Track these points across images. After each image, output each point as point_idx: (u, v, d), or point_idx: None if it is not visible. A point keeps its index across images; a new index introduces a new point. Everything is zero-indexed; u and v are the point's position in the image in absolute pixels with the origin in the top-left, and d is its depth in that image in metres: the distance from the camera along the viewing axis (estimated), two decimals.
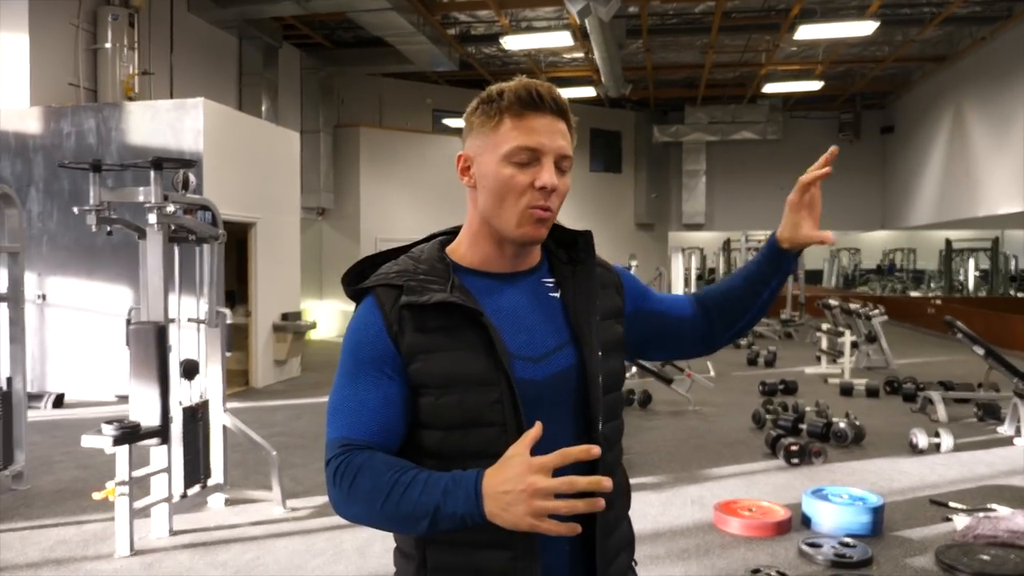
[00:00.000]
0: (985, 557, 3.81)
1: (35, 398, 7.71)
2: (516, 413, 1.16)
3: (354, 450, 1.16)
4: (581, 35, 13.01)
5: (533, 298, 1.27)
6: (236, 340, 9.64)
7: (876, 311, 10.68)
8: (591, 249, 1.36)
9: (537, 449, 1.11)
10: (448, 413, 1.18)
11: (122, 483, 3.90)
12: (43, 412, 7.58)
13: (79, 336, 8.23)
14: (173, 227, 4.29)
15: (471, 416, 1.17)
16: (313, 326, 10.61)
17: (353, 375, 1.21)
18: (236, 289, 10.02)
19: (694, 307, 1.47)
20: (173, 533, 4.24)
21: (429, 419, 1.19)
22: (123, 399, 7.74)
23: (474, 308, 1.19)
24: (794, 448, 5.73)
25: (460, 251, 1.29)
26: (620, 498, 1.33)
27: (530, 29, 13.77)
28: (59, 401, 7.86)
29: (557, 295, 1.29)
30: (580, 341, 1.25)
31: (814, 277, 24.86)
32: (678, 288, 13.38)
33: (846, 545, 4.04)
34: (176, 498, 4.35)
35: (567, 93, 16.45)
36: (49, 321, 8.31)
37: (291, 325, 9.76)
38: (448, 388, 1.17)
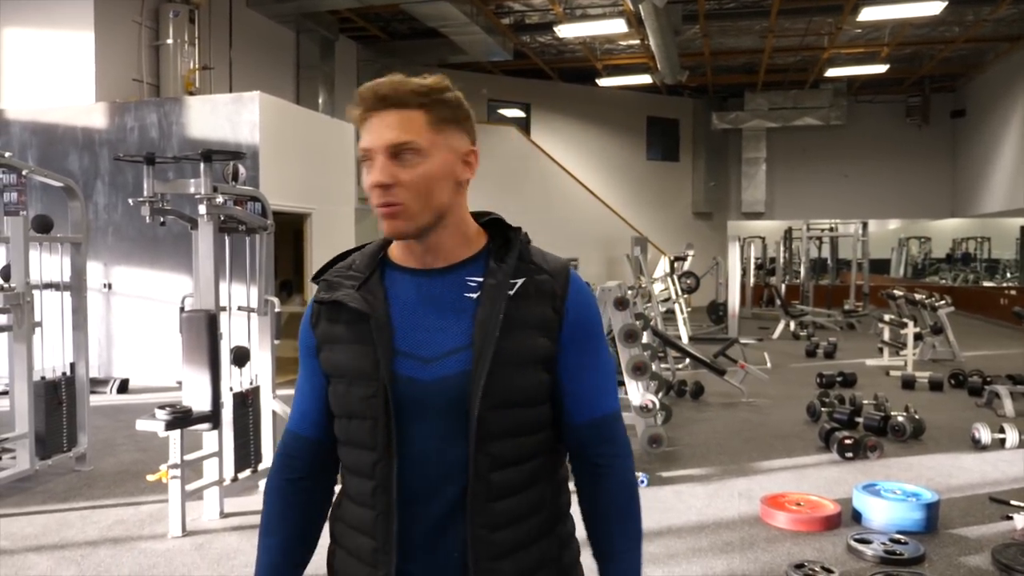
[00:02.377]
0: None
1: (101, 383, 8.02)
2: (386, 411, 1.19)
3: (286, 455, 1.37)
4: (636, 22, 12.84)
5: (447, 297, 1.24)
6: (293, 328, 9.85)
7: (942, 301, 10.33)
8: (514, 249, 1.27)
9: (425, 454, 1.20)
10: (337, 402, 1.27)
11: (174, 466, 4.03)
12: (108, 397, 7.86)
13: (143, 323, 8.51)
14: (223, 217, 4.39)
15: (349, 408, 1.25)
16: None
17: (300, 364, 1.37)
18: (292, 279, 10.22)
19: (578, 433, 1.30)
20: (224, 515, 4.36)
21: (332, 406, 1.29)
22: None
23: (358, 308, 1.23)
24: (848, 442, 5.59)
25: (394, 247, 1.31)
26: (531, 518, 1.25)
27: (584, 17, 13.66)
28: (124, 386, 8.14)
29: (474, 296, 1.23)
30: (479, 337, 1.19)
31: (881, 267, 24.13)
32: (735, 278, 13.14)
33: (897, 542, 3.92)
34: (227, 481, 4.47)
35: (622, 81, 16.23)
36: (115, 309, 8.61)
37: None
38: (340, 378, 1.26)
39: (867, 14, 12.11)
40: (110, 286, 8.57)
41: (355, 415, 1.24)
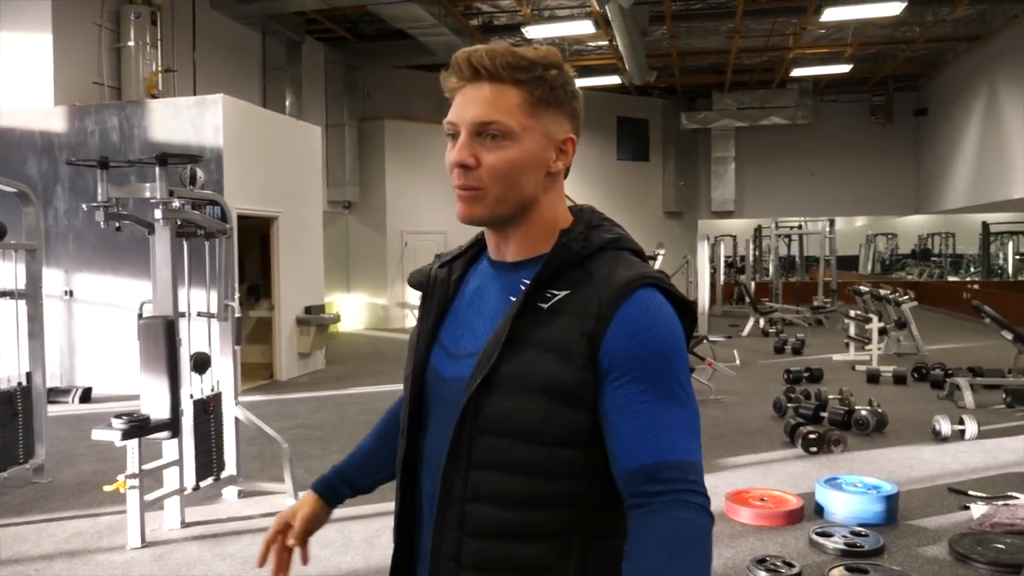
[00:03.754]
0: (1000, 546, 3.72)
1: (63, 392, 7.89)
2: (410, 390, 1.19)
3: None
4: (604, 23, 12.89)
5: (495, 295, 1.15)
6: (260, 333, 9.78)
7: (906, 297, 10.48)
8: (557, 253, 1.10)
9: (433, 447, 1.15)
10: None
11: (132, 476, 3.97)
12: (70, 406, 7.74)
13: (106, 331, 8.38)
14: (180, 222, 4.33)
15: (404, 377, 1.24)
16: (337, 319, 10.69)
17: None
18: (260, 283, 10.13)
19: (624, 482, 1.03)
20: (185, 525, 4.31)
21: None
22: None
23: (418, 283, 1.26)
24: (812, 436, 5.65)
25: None
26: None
27: (552, 18, 13.69)
28: (87, 395, 8.01)
29: (514, 299, 1.11)
30: (483, 352, 1.09)
31: (849, 263, 24.47)
32: (705, 276, 13.22)
33: (857, 534, 3.97)
34: (188, 490, 4.41)
35: (592, 82, 16.30)
36: (77, 316, 8.47)
37: (315, 318, 9.85)
38: (409, 348, 1.25)
39: (829, 14, 12.26)
40: (71, 293, 8.43)
41: (405, 385, 1.22)
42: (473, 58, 1.09)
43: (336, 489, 1.39)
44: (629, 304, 1.04)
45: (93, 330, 8.44)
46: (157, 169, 4.11)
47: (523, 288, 1.10)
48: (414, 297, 10.38)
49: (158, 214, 4.11)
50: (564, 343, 1.04)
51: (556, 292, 1.08)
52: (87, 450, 5.91)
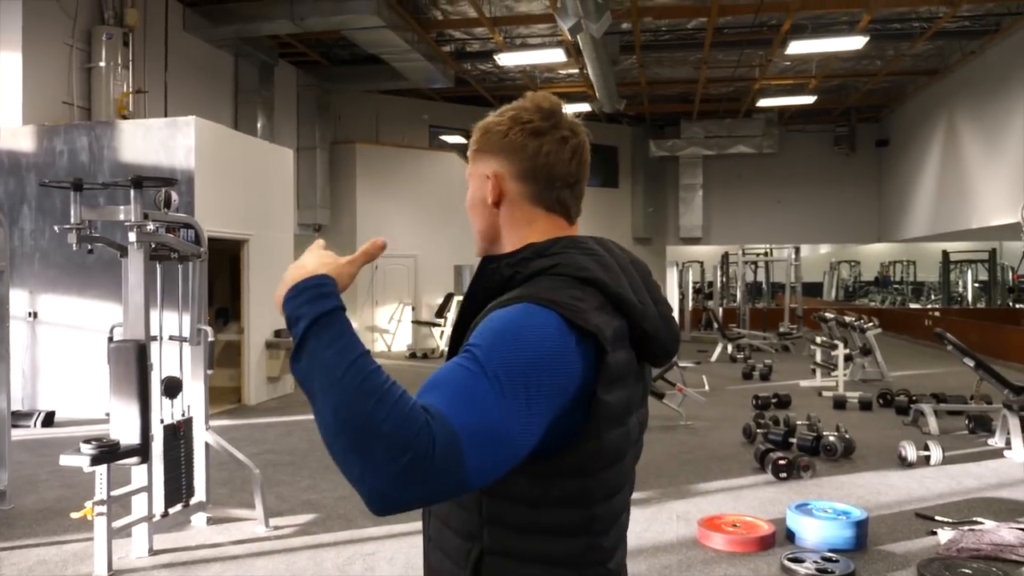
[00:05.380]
0: (967, 571, 3.79)
1: (25, 416, 7.72)
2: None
3: None
4: (575, 51, 13.07)
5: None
6: (229, 357, 9.66)
7: (870, 323, 10.66)
8: (483, 274, 1.23)
9: None
10: None
11: (100, 502, 3.89)
12: (33, 430, 7.57)
13: (71, 354, 8.22)
14: (154, 245, 4.30)
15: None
16: None
17: None
18: (229, 306, 10.04)
19: None
20: (153, 552, 4.23)
21: None
22: None
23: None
24: (782, 462, 5.71)
25: None
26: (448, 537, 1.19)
27: (524, 46, 13.86)
28: (49, 419, 7.84)
29: None
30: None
31: (813, 290, 24.86)
32: (674, 302, 13.37)
33: (829, 560, 4.02)
34: (157, 517, 4.34)
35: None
36: (41, 339, 8.32)
37: (284, 342, 9.76)
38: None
39: (795, 47, 12.59)
40: (36, 315, 8.28)
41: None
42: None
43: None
44: (489, 311, 1.11)
45: (57, 353, 8.28)
46: (132, 191, 4.07)
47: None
48: (383, 320, 10.40)
49: (132, 237, 4.07)
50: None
51: (479, 318, 1.13)
52: (50, 476, 5.79)
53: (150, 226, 4.12)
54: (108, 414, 7.72)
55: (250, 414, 8.62)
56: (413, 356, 14.12)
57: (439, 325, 14.34)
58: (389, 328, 15.02)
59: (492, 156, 1.27)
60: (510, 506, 1.13)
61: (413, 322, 14.94)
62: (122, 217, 4.15)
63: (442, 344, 14.34)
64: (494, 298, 1.15)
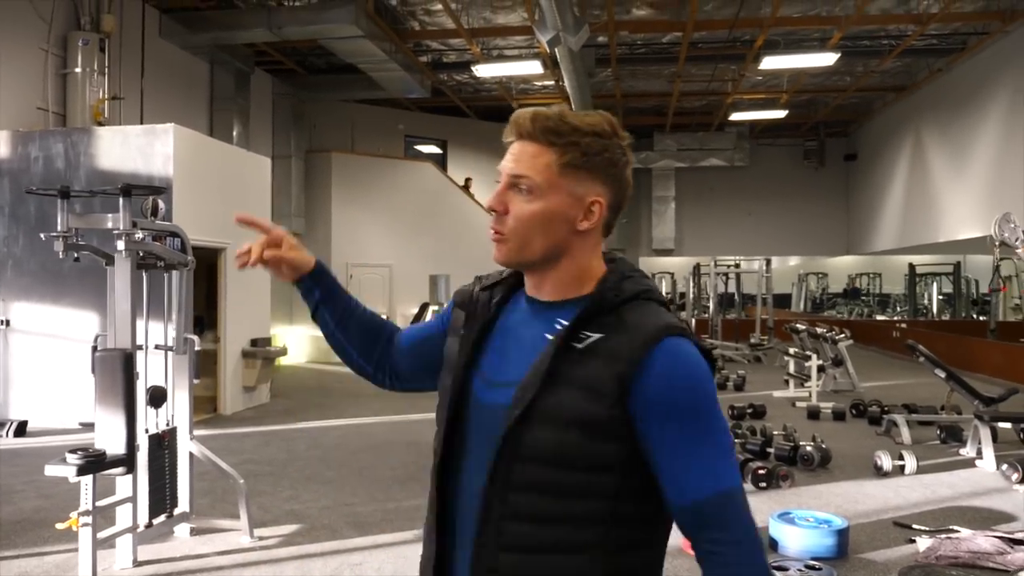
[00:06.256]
0: None
1: None
2: (449, 404, 1.27)
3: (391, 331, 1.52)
4: (551, 63, 13.18)
5: (531, 330, 1.24)
6: (204, 366, 9.55)
7: (842, 335, 10.83)
8: (595, 300, 1.20)
9: (467, 466, 1.24)
10: (439, 385, 1.34)
11: (85, 513, 3.85)
12: (4, 440, 7.44)
13: (43, 363, 8.10)
14: (141, 254, 4.27)
15: (440, 393, 1.32)
16: (283, 352, 10.54)
17: (435, 316, 1.48)
18: (205, 315, 9.93)
19: (680, 518, 1.16)
20: (137, 564, 4.18)
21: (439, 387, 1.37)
22: (87, 427, 7.61)
23: (461, 303, 1.35)
24: (761, 472, 5.79)
25: None
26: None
27: (501, 57, 13.95)
28: (21, 429, 7.70)
29: (552, 338, 1.19)
30: (521, 385, 1.17)
31: (783, 301, 25.19)
32: None
33: (811, 568, 4.09)
34: (141, 528, 4.29)
35: None
36: (12, 347, 8.18)
37: (261, 351, 9.69)
38: (445, 365, 1.34)
39: (767, 63, 12.84)
40: (8, 323, 8.14)
41: (440, 399, 1.31)
42: (520, 119, 1.22)
43: (320, 283, 1.44)
44: (659, 351, 1.14)
45: (30, 361, 8.15)
46: (121, 200, 4.05)
47: (559, 327, 1.20)
48: None
49: (120, 245, 4.04)
50: (595, 382, 1.14)
51: (590, 334, 1.17)
52: (25, 486, 5.70)
53: (139, 234, 4.10)
54: (82, 424, 7.68)
55: (226, 424, 8.54)
56: None
57: None
58: None
59: (596, 180, 1.21)
60: (640, 524, 1.19)
61: None
62: (110, 225, 4.12)
63: None
64: (596, 316, 1.19)
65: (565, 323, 1.19)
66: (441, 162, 18.27)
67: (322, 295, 1.44)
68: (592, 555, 1.15)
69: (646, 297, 1.22)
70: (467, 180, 17.56)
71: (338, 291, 1.46)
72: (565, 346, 1.16)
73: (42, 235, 4.25)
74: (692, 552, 1.16)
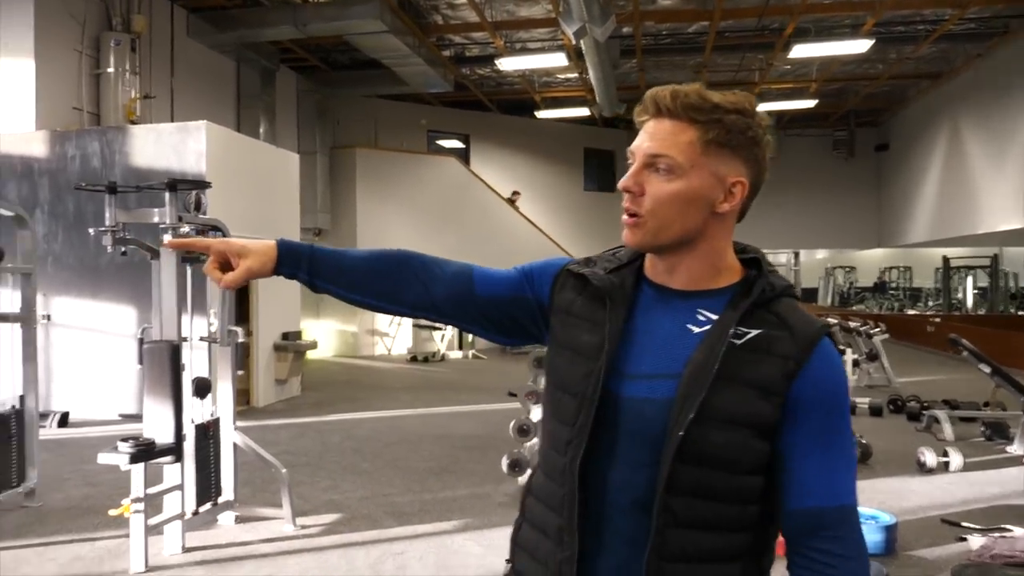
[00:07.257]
0: None
1: (41, 417, 7.67)
2: (592, 397, 1.16)
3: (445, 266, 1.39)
4: (576, 55, 13.13)
5: (669, 322, 1.19)
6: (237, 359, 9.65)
7: (877, 329, 10.71)
8: (753, 293, 1.16)
9: (613, 467, 1.16)
10: (556, 373, 1.26)
11: (137, 500, 3.91)
12: (49, 431, 7.54)
13: (83, 356, 8.22)
14: None
15: (566, 381, 1.22)
16: (314, 345, 10.62)
17: (516, 272, 1.36)
18: (237, 308, 10.03)
19: (795, 520, 1.14)
20: (186, 550, 4.24)
21: (550, 374, 1.28)
22: (127, 418, 7.75)
23: (600, 285, 1.23)
24: None
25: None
26: None
27: (525, 50, 13.90)
28: (64, 420, 7.84)
29: (699, 331, 1.15)
30: (686, 382, 1.11)
31: (809, 295, 24.96)
32: None
33: None
34: (188, 515, 4.34)
35: (560, 113, 16.48)
36: (54, 341, 8.29)
37: (292, 344, 9.77)
38: (567, 351, 1.24)
39: (797, 51, 12.64)
40: (49, 317, 8.25)
41: (568, 390, 1.21)
42: (658, 96, 1.17)
43: (297, 263, 1.30)
44: (818, 352, 1.13)
45: (70, 355, 8.27)
46: (167, 194, 4.09)
47: (702, 319, 1.17)
48: (383, 324, 10.35)
49: (167, 239, 4.09)
50: (767, 381, 1.12)
51: (747, 330, 1.14)
52: (72, 474, 5.80)
53: (184, 228, 4.14)
54: (122, 415, 7.77)
55: (259, 416, 8.62)
56: (414, 360, 14.09)
57: (439, 329, 14.28)
58: (389, 332, 15.01)
59: (739, 160, 1.17)
60: (772, 527, 1.20)
61: (414, 326, 14.94)
62: (156, 219, 4.16)
63: (443, 347, 14.34)
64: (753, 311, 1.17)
65: (710, 315, 1.16)
66: (464, 156, 18.28)
67: (309, 272, 1.30)
68: (744, 563, 1.16)
69: (791, 293, 1.21)
70: (514, 193, 17.52)
71: (323, 261, 1.31)
72: (726, 342, 1.13)
73: (91, 230, 4.30)
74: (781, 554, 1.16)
